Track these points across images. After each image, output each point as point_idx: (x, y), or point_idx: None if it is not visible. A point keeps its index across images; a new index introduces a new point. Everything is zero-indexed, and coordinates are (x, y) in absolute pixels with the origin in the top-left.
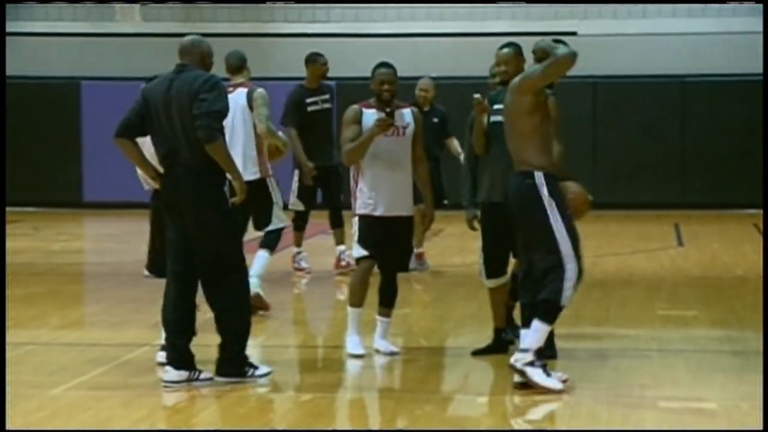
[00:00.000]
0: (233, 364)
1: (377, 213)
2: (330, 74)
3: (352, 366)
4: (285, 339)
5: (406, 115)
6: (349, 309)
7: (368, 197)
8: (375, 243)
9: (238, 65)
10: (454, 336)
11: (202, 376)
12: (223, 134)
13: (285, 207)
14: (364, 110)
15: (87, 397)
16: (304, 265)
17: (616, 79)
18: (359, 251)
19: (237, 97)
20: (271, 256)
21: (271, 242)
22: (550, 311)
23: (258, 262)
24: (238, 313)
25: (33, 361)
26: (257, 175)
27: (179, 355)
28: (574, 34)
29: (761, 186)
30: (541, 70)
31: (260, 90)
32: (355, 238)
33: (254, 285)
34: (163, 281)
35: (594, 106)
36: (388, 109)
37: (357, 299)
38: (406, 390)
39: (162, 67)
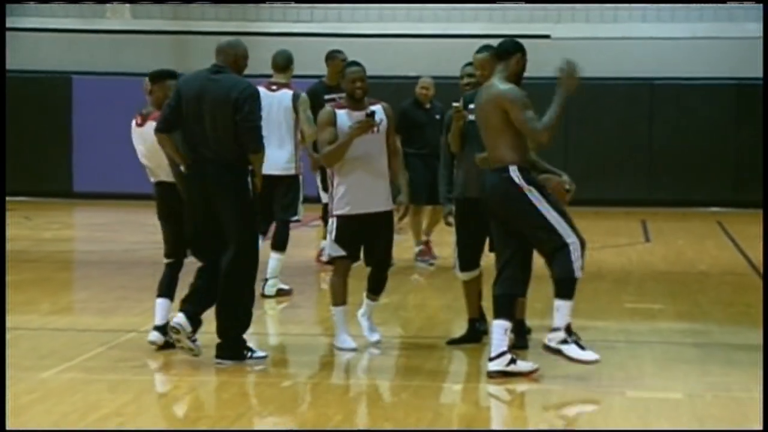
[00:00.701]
0: (232, 348)
1: (355, 211)
2: (312, 72)
3: (332, 354)
4: (272, 327)
5: (378, 111)
6: (333, 309)
7: (345, 196)
8: (351, 242)
9: (284, 65)
10: (429, 326)
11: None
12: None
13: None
14: (338, 111)
15: (76, 381)
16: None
17: (588, 81)
18: (336, 250)
19: (282, 98)
20: (283, 256)
21: (281, 243)
22: (568, 287)
23: (272, 264)
24: (241, 300)
25: (24, 346)
26: (292, 171)
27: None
28: (548, 37)
29: (725, 185)
30: (522, 118)
31: (304, 94)
32: (332, 236)
33: (272, 285)
34: (154, 268)
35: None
36: (368, 111)
37: (339, 298)
38: (383, 378)
39: (151, 63)
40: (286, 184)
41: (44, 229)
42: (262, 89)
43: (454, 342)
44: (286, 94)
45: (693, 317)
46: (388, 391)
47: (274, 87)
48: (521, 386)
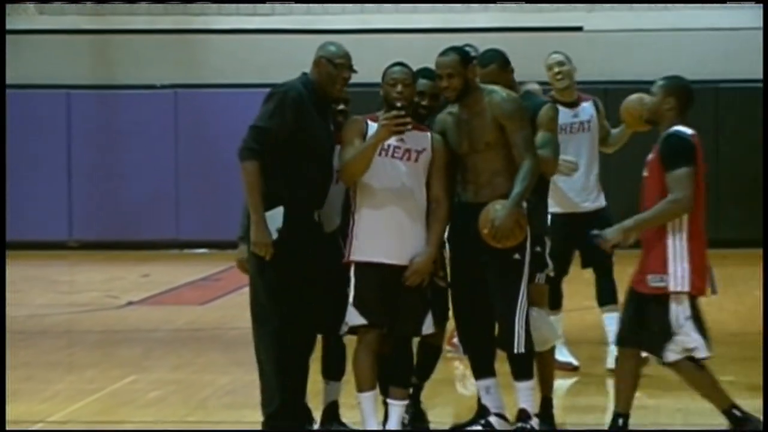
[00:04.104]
0: None
1: (377, 259)
2: (274, 79)
3: None
4: None
5: (423, 138)
6: (360, 396)
7: (366, 238)
8: (376, 305)
9: None
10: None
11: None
12: (260, 156)
13: None
14: (371, 123)
15: None
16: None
17: (631, 85)
18: (356, 318)
19: None
20: None
21: None
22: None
23: None
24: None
25: None
26: None
27: None
28: (579, 29)
29: None
30: (521, 139)
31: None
32: (350, 297)
33: None
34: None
35: (606, 116)
36: (399, 104)
37: (367, 380)
38: None
39: (64, 71)
40: None
41: None
42: None
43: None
44: None
45: None
46: None
47: None
48: None
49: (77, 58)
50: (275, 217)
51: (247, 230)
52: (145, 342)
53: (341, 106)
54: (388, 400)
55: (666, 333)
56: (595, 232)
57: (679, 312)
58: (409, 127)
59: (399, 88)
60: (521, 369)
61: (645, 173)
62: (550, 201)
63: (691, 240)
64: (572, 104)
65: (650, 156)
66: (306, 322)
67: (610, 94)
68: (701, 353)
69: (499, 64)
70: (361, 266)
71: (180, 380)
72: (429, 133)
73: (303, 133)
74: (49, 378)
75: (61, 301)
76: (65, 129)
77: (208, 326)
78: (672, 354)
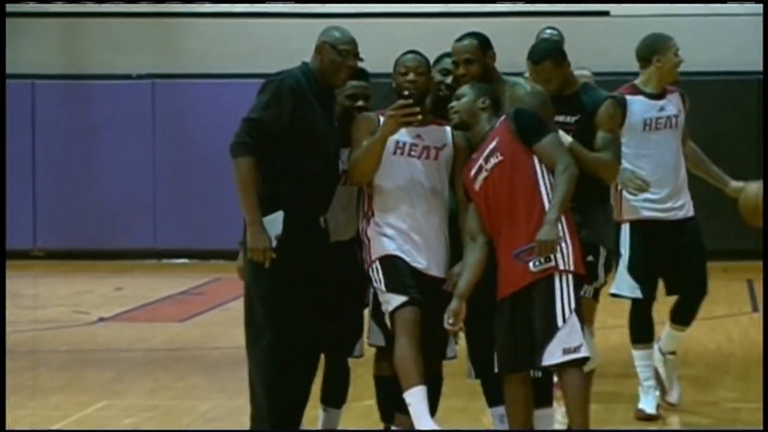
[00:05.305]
0: None
1: (403, 256)
2: (263, 69)
3: None
4: None
5: (443, 133)
6: (408, 393)
7: (386, 241)
8: (411, 283)
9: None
10: None
11: None
12: (255, 152)
13: None
14: (383, 119)
15: None
16: None
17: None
18: (395, 299)
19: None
20: None
21: None
22: None
23: None
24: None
25: None
26: None
27: None
28: (606, 14)
29: None
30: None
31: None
32: (381, 285)
33: None
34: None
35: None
36: (406, 92)
37: (414, 374)
38: None
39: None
40: None
41: None
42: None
43: None
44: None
45: None
46: None
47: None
48: None
49: (43, 44)
50: (274, 223)
51: (245, 233)
52: (117, 363)
53: (360, 103)
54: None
55: None
56: None
57: None
58: (419, 117)
59: (411, 76)
60: (540, 394)
61: None
62: (628, 207)
63: None
64: (658, 96)
65: None
66: (305, 340)
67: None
68: None
69: (554, 59)
70: (384, 258)
71: (156, 406)
72: (448, 128)
73: (302, 126)
74: (10, 403)
75: (24, 317)
76: (29, 124)
77: (189, 346)
78: None
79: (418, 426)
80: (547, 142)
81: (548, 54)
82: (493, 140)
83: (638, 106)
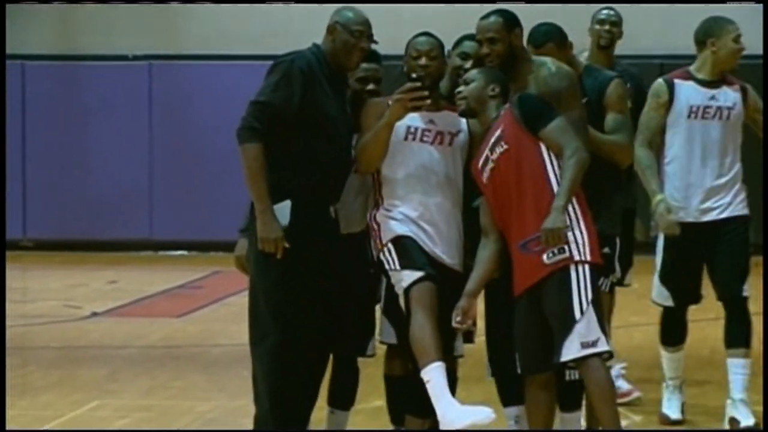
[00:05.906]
0: None
1: (415, 237)
2: (267, 50)
3: None
4: None
5: (457, 119)
6: (426, 371)
7: (397, 223)
8: (426, 261)
9: None
10: None
11: None
12: (263, 137)
13: None
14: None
15: None
16: None
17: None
18: (409, 275)
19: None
20: None
21: None
22: None
23: None
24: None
25: None
26: None
27: None
28: None
29: None
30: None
31: None
32: (395, 265)
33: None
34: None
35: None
36: (414, 75)
37: (432, 350)
38: None
39: (14, 38)
40: None
41: None
42: None
43: None
44: None
45: None
46: None
47: None
48: None
49: (34, 23)
50: (281, 212)
51: (252, 222)
52: (111, 361)
53: (371, 86)
54: None
55: None
56: None
57: None
58: (428, 101)
59: (423, 61)
60: (569, 398)
61: None
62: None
63: None
64: (711, 83)
65: None
66: (313, 337)
67: (666, 69)
68: None
69: (556, 42)
70: (397, 239)
71: (153, 406)
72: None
73: (313, 109)
74: None
75: (13, 312)
76: (19, 107)
77: (187, 343)
78: None
79: (437, 405)
80: (552, 127)
81: (550, 36)
82: (498, 129)
83: (686, 91)
